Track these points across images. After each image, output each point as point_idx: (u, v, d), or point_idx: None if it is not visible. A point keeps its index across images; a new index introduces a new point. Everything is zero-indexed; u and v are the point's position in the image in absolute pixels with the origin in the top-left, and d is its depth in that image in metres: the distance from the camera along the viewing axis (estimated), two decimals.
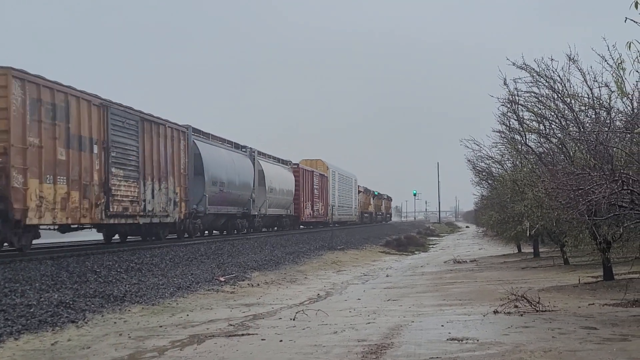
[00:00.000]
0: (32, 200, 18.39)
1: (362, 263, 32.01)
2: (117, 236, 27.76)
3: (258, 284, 19.83)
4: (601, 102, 16.14)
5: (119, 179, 23.38)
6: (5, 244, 19.42)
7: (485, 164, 30.89)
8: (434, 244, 57.82)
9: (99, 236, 28.06)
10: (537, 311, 12.12)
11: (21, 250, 19.04)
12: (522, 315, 11.87)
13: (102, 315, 13.23)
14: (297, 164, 52.96)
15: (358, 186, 78.60)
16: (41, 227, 20.04)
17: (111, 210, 22.76)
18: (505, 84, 18.63)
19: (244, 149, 40.88)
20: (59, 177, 19.75)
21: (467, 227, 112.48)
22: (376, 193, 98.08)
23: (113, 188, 22.87)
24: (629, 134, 13.18)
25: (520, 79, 18.36)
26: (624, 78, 13.59)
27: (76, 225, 22.32)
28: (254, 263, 24.59)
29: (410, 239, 56.88)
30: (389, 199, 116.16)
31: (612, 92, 15.32)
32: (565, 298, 14.26)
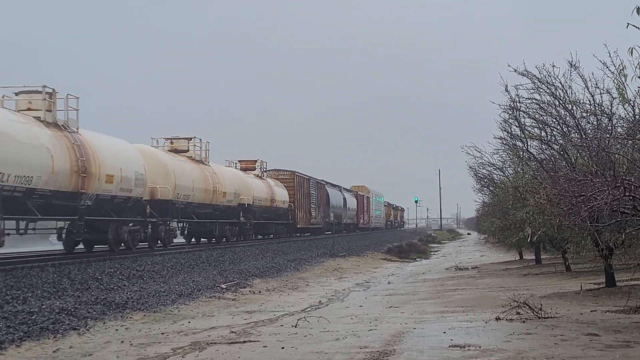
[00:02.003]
0: (299, 218, 51.22)
1: (364, 270, 32.00)
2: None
3: (260, 291, 19.82)
4: (603, 108, 16.14)
5: (313, 208, 56.20)
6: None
7: (486, 170, 30.90)
8: (435, 251, 57.79)
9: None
10: (539, 318, 12.11)
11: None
12: (524, 322, 11.85)
13: (104, 323, 13.22)
14: (356, 192, 79.42)
15: (385, 202, 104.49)
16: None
17: (312, 220, 56.01)
18: (506, 90, 18.63)
19: (338, 187, 69.04)
20: (308, 209, 54.77)
21: (468, 234, 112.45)
22: (395, 206, 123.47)
23: (312, 211, 55.71)
24: (631, 140, 13.17)
25: (521, 85, 18.37)
26: (625, 84, 13.58)
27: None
28: (255, 270, 24.58)
29: (412, 246, 56.86)
30: (402, 209, 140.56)
31: (614, 98, 15.31)
32: (568, 305, 14.24)
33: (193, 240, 36.12)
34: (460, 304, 15.96)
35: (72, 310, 13.72)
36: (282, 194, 47.17)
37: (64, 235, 24.17)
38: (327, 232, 57.96)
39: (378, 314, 14.53)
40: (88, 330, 12.45)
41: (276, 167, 51.65)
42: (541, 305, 12.91)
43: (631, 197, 10.96)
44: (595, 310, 13.06)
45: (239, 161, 45.55)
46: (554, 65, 17.33)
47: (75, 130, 22.81)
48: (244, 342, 10.99)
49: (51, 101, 22.16)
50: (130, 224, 25.78)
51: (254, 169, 45.68)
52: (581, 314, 12.74)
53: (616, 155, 13.30)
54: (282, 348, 10.21)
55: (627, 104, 14.39)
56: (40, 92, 22.00)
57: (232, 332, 12.18)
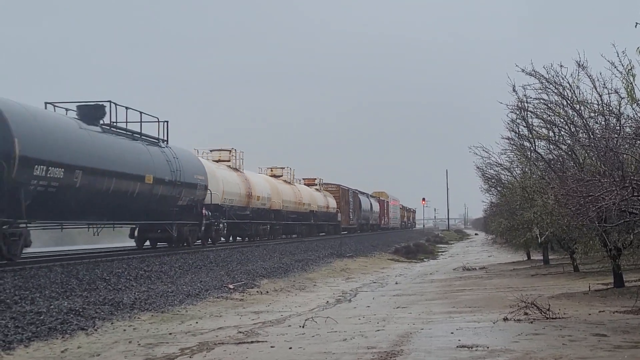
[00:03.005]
0: (343, 220, 67.35)
1: (371, 270, 31.98)
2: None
3: (267, 292, 19.83)
4: (611, 108, 16.10)
5: (350, 212, 70.88)
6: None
7: (494, 170, 30.95)
8: (443, 252, 57.72)
9: None
10: (547, 318, 12.09)
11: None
12: (532, 322, 11.84)
13: (112, 323, 13.24)
14: (378, 197, 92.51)
15: (400, 205, 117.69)
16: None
17: (350, 221, 70.84)
18: (514, 90, 18.61)
19: (366, 194, 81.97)
20: (348, 213, 70.21)
21: (476, 234, 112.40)
22: (407, 208, 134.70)
23: (350, 215, 70.28)
24: (639, 140, 13.13)
25: (529, 85, 18.34)
26: (634, 84, 13.55)
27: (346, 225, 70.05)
28: (262, 270, 24.59)
29: (419, 246, 56.77)
30: (414, 211, 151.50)
31: (622, 98, 15.28)
32: (576, 305, 14.21)
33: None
34: (468, 304, 15.95)
35: (80, 310, 13.75)
36: (332, 203, 63.44)
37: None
38: (358, 232, 72.91)
39: (386, 314, 14.53)
40: (96, 330, 12.47)
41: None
42: (549, 305, 12.89)
43: (639, 198, 10.94)
44: (604, 311, 13.03)
45: (303, 179, 60.75)
46: (561, 65, 17.33)
47: (242, 171, 40.95)
48: (252, 342, 11.00)
49: (231, 155, 40.47)
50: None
51: (315, 184, 61.93)
52: (589, 314, 12.71)
53: (624, 155, 13.26)
54: (290, 348, 10.22)
55: (635, 104, 14.36)
56: (227, 150, 40.56)
57: (240, 332, 12.19)
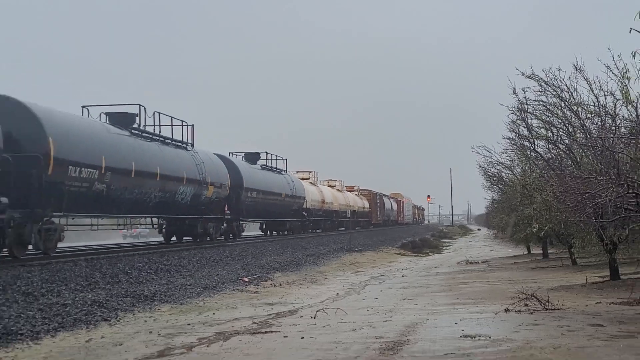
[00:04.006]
0: (373, 217, 77.75)
1: (379, 264, 31.97)
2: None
3: (280, 284, 19.84)
4: (607, 109, 16.11)
5: (378, 211, 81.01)
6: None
7: (495, 169, 30.94)
8: (447, 246, 57.65)
9: None
10: (547, 309, 12.06)
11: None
12: (532, 313, 11.81)
13: (134, 314, 13.28)
14: (396, 198, 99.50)
15: (412, 204, 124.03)
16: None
17: (377, 219, 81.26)
18: (514, 93, 18.62)
19: (387, 196, 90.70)
20: (376, 212, 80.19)
21: (478, 229, 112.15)
22: (418, 206, 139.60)
23: (378, 213, 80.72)
24: (634, 139, 13.11)
25: (528, 88, 18.36)
26: (629, 86, 13.55)
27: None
28: (276, 264, 24.61)
29: (425, 241, 56.77)
30: (423, 208, 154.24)
31: (617, 100, 15.28)
32: (574, 297, 14.19)
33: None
34: (470, 296, 15.93)
35: (104, 302, 13.80)
36: (362, 203, 72.48)
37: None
38: (378, 225, 79.41)
39: (393, 305, 14.52)
40: (118, 321, 12.50)
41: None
42: (548, 297, 12.87)
43: (634, 194, 10.92)
44: (600, 302, 13.00)
45: (346, 186, 69.68)
46: (559, 69, 17.35)
47: (317, 185, 55.44)
48: (266, 332, 11.02)
49: (311, 174, 55.79)
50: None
51: (354, 190, 73.88)
52: (587, 305, 12.68)
53: (620, 154, 13.27)
54: (302, 338, 10.22)
55: (630, 105, 14.37)
56: (308, 171, 55.71)
57: (255, 323, 12.21)
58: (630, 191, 10.87)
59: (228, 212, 33.05)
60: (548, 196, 17.16)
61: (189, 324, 12.26)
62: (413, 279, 23.19)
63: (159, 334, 11.12)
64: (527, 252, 33.81)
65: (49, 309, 12.48)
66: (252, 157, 39.39)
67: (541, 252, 30.00)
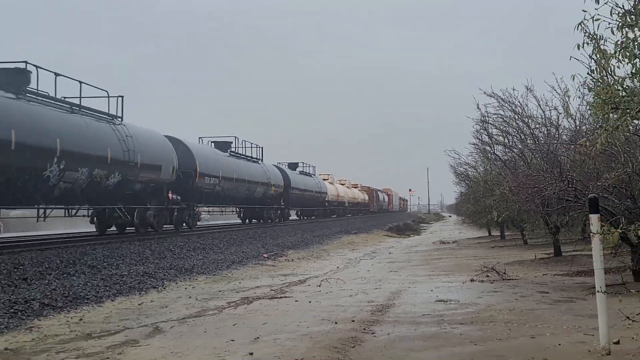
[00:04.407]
0: (371, 207, 77.38)
1: (371, 243, 31.94)
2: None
3: (292, 260, 19.85)
4: (551, 121, 16.15)
5: (374, 201, 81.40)
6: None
7: (463, 168, 30.90)
8: (424, 230, 57.54)
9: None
10: (504, 279, 12.06)
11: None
12: (492, 282, 11.81)
13: (176, 283, 13.30)
14: (387, 192, 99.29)
15: (399, 196, 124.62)
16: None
17: (373, 208, 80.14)
18: (478, 108, 18.74)
19: (381, 190, 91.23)
20: (373, 203, 79.92)
21: (450, 216, 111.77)
22: (403, 198, 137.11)
23: (374, 203, 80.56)
24: (573, 145, 13.10)
25: (489, 104, 18.50)
26: (569, 103, 13.62)
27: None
28: (289, 244, 24.61)
29: (407, 225, 56.73)
30: (406, 199, 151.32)
31: (560, 113, 15.33)
32: (525, 270, 14.17)
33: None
34: (443, 269, 15.92)
35: (153, 273, 13.82)
36: (364, 196, 75.08)
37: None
38: (374, 213, 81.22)
39: (381, 276, 14.52)
40: (164, 288, 12.53)
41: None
42: (505, 270, 12.87)
43: (573, 189, 10.91)
44: (546, 274, 12.99)
45: (352, 184, 73.68)
46: (514, 89, 17.47)
47: (333, 184, 58.26)
48: (281, 297, 11.03)
49: (330, 176, 58.94)
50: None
51: (357, 186, 76.10)
52: (535, 276, 12.67)
53: (562, 157, 13.27)
54: (310, 302, 10.23)
55: (570, 118, 14.43)
56: (328, 174, 59.42)
57: (272, 290, 12.22)
58: (570, 186, 10.87)
59: (282, 204, 39.25)
60: (505, 190, 17.12)
61: (220, 291, 12.28)
62: (397, 255, 23.17)
63: (196, 299, 11.14)
64: (488, 234, 33.77)
65: (109, 279, 12.52)
66: (293, 166, 46.21)
67: (499, 234, 29.96)
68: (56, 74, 16.86)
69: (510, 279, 12.10)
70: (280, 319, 8.65)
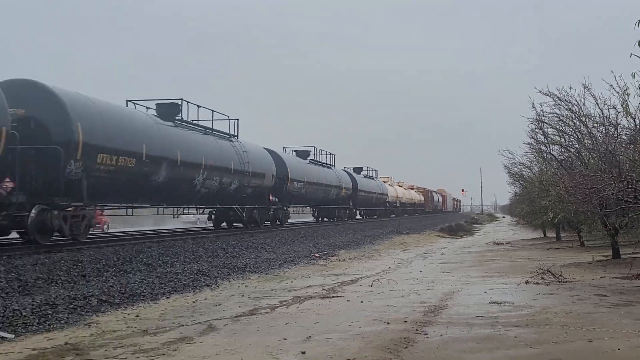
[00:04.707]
0: (426, 207, 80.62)
1: (422, 244, 31.72)
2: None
3: (344, 259, 19.86)
4: (610, 120, 15.78)
5: (429, 201, 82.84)
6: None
7: (517, 168, 30.53)
8: (477, 230, 56.80)
9: None
10: (560, 282, 11.83)
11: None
12: (547, 285, 11.60)
13: (229, 281, 13.46)
14: (441, 193, 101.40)
15: (452, 197, 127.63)
16: None
17: (428, 208, 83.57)
18: (533, 107, 18.47)
19: (435, 191, 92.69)
20: (428, 203, 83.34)
21: (503, 217, 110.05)
22: (456, 199, 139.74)
23: (429, 203, 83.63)
24: (633, 145, 12.78)
25: (545, 103, 18.20)
26: (628, 101, 13.27)
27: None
28: (340, 243, 24.64)
29: (460, 226, 56.08)
30: (459, 200, 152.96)
31: (619, 112, 14.99)
32: (582, 272, 13.87)
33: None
34: (497, 270, 15.70)
35: (206, 271, 14.02)
36: (419, 197, 77.95)
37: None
38: (429, 213, 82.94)
39: (434, 277, 14.41)
40: (218, 287, 12.70)
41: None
42: (561, 272, 12.63)
43: (633, 189, 10.63)
44: (604, 277, 12.69)
45: (409, 186, 76.70)
46: (570, 87, 17.16)
47: (392, 185, 62.01)
48: (333, 297, 11.05)
49: (389, 178, 64.57)
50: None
51: (413, 188, 78.23)
52: (593, 279, 12.39)
53: (621, 157, 12.95)
54: (361, 302, 10.23)
55: (629, 117, 14.09)
56: (388, 177, 63.66)
57: (324, 289, 12.25)
58: (629, 186, 10.60)
59: (351, 204, 42.77)
60: (561, 190, 16.81)
61: (272, 290, 12.37)
62: (450, 256, 22.96)
63: (249, 297, 11.25)
64: (543, 236, 33.17)
65: (164, 276, 12.74)
66: (358, 170, 48.63)
67: (555, 235, 29.41)
68: (198, 106, 21.85)
69: (566, 282, 11.86)
70: (332, 318, 8.67)
